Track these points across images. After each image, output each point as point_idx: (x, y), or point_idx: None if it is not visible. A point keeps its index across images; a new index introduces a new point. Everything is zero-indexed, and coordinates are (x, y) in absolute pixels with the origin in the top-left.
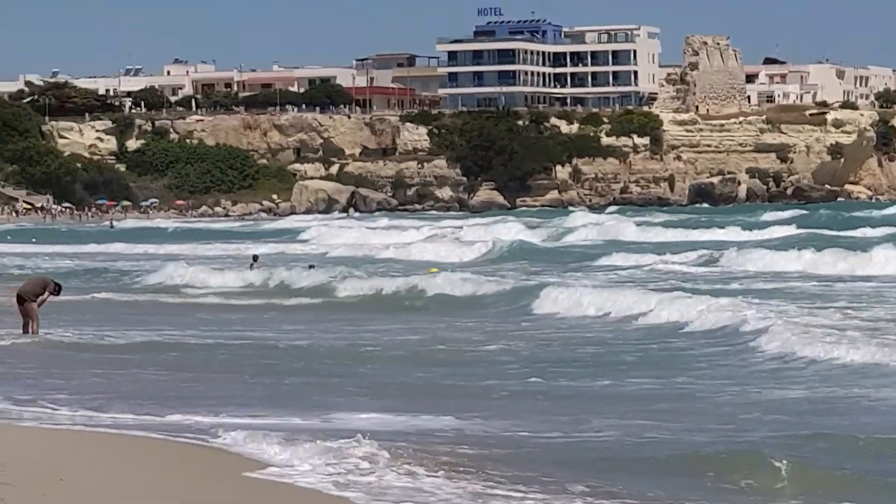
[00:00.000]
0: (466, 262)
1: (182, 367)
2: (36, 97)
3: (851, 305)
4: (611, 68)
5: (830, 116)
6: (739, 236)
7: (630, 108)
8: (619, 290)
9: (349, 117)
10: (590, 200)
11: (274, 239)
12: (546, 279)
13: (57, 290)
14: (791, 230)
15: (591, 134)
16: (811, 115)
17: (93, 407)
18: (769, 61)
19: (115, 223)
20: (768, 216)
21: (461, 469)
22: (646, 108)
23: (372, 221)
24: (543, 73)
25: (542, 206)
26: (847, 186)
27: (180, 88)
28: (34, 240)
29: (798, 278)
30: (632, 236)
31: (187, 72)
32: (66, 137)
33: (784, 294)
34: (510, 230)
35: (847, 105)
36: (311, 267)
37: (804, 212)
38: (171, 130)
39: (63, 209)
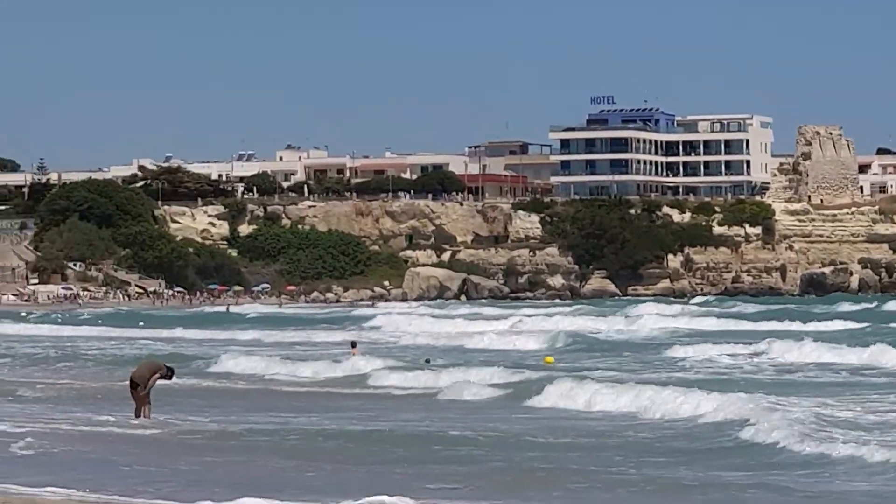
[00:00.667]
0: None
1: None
2: (149, 181)
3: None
4: (723, 157)
5: None
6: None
7: (742, 197)
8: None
9: (461, 204)
10: (701, 290)
11: (337, 327)
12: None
13: (169, 374)
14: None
15: (703, 223)
16: None
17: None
18: (882, 152)
19: (230, 308)
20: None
21: None
22: (758, 198)
23: (444, 310)
24: (656, 162)
25: (654, 294)
26: None
27: (293, 174)
28: (141, 324)
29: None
30: (707, 326)
31: (300, 157)
32: (178, 222)
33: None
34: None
35: None
36: (427, 361)
37: None
38: (283, 216)
39: (174, 294)
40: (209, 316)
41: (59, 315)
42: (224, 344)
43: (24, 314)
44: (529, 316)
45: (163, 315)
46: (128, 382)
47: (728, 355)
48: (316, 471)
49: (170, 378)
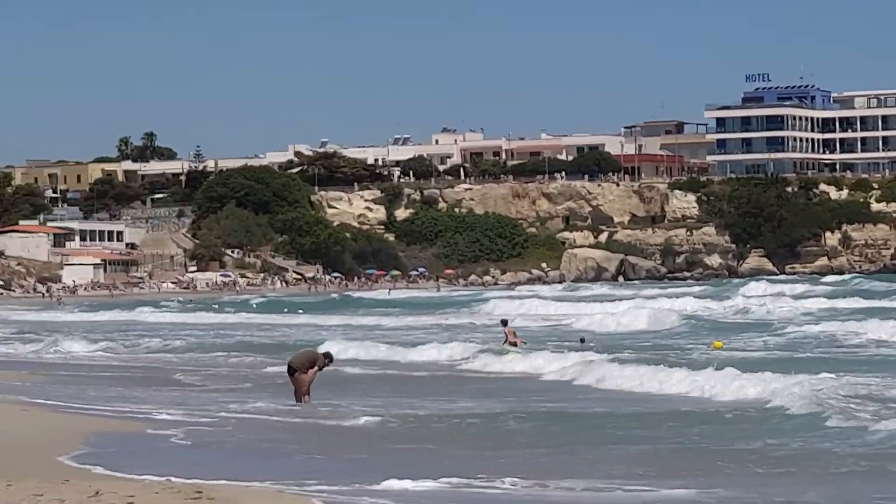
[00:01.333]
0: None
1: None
2: (305, 167)
3: None
4: (880, 133)
5: None
6: None
7: None
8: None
9: (618, 185)
10: (860, 267)
11: (452, 310)
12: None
13: (327, 362)
14: None
15: (861, 200)
16: None
17: None
18: None
19: (391, 292)
20: None
21: None
22: None
23: (575, 292)
24: (812, 139)
25: (812, 272)
26: None
27: (449, 157)
28: (301, 311)
29: None
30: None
31: (455, 140)
32: (335, 207)
33: None
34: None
35: None
36: (582, 341)
37: None
38: (440, 199)
39: (332, 279)
40: (358, 301)
41: (216, 303)
42: (344, 329)
43: (180, 300)
44: (652, 297)
45: (303, 302)
46: (285, 368)
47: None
48: (515, 454)
49: (328, 365)
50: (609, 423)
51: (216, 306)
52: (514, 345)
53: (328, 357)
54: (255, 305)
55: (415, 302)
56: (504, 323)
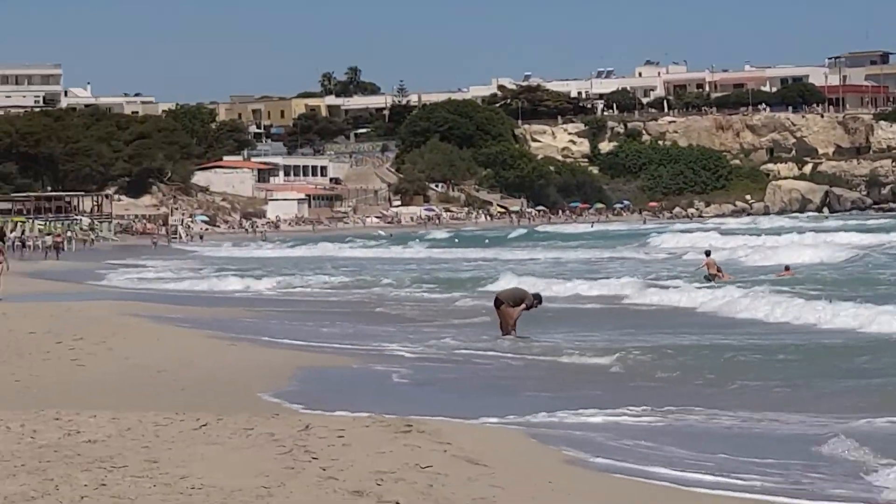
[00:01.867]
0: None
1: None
2: (509, 101)
3: None
4: None
5: None
6: None
7: None
8: None
9: (822, 116)
10: None
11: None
12: None
13: (536, 303)
14: None
15: None
16: None
17: None
18: None
19: (594, 224)
20: None
21: None
22: None
23: (757, 224)
24: None
25: None
26: None
27: (652, 90)
28: (487, 241)
29: None
30: None
31: (658, 73)
32: (538, 141)
33: None
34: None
35: None
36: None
37: None
38: (644, 132)
39: (537, 212)
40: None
41: (416, 237)
42: (505, 263)
43: (382, 233)
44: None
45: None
46: (491, 302)
47: None
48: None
49: (537, 306)
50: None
51: (416, 240)
52: (715, 277)
53: (538, 298)
54: (456, 241)
55: (605, 235)
56: (707, 254)
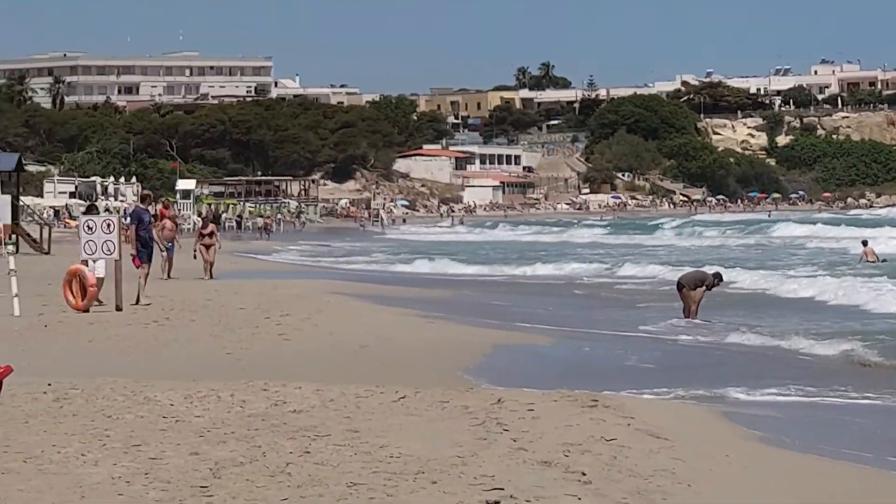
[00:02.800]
0: None
1: None
2: (691, 96)
3: None
4: None
5: None
6: None
7: None
8: None
9: None
10: None
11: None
12: None
13: (717, 282)
14: None
15: None
16: None
17: None
18: None
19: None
20: None
21: None
22: None
23: None
24: None
25: None
26: None
27: (826, 87)
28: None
29: None
30: None
31: (833, 71)
32: (719, 133)
33: None
34: None
35: None
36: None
37: None
38: (818, 127)
39: (717, 201)
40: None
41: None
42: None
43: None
44: None
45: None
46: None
47: None
48: None
49: (718, 284)
50: None
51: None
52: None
53: (717, 277)
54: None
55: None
56: (864, 243)
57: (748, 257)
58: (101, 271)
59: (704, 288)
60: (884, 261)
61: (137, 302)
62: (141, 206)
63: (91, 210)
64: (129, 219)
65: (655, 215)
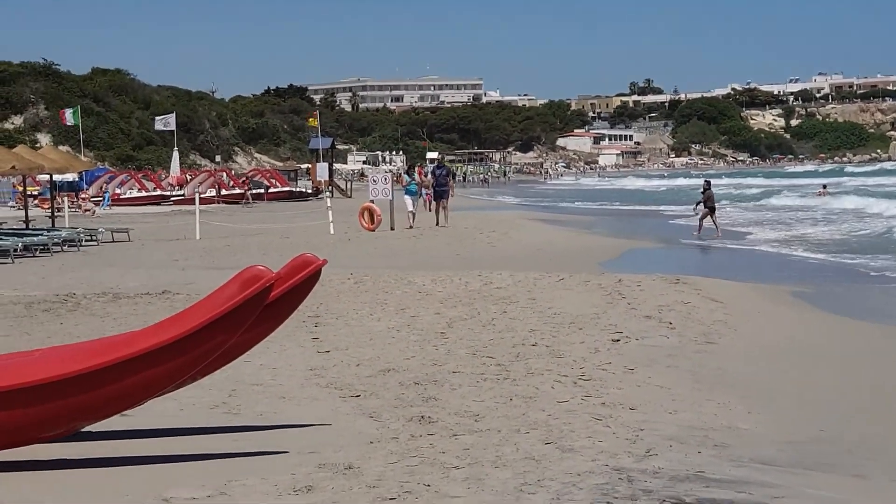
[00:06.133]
0: None
1: None
2: (737, 97)
3: None
4: None
5: None
6: None
7: None
8: None
9: None
10: None
11: None
12: None
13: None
14: None
15: None
16: None
17: None
18: None
19: None
20: None
21: None
22: None
23: None
24: None
25: None
26: None
27: (821, 89)
28: None
29: None
30: None
31: (826, 79)
32: (754, 119)
33: None
34: None
35: None
36: None
37: None
38: (816, 114)
39: (752, 161)
40: None
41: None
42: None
43: None
44: None
45: None
46: None
47: None
48: None
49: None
50: None
51: None
52: None
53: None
54: None
55: None
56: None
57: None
58: (410, 206)
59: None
60: None
61: (438, 224)
62: (436, 166)
63: (410, 170)
64: (428, 174)
65: (719, 170)
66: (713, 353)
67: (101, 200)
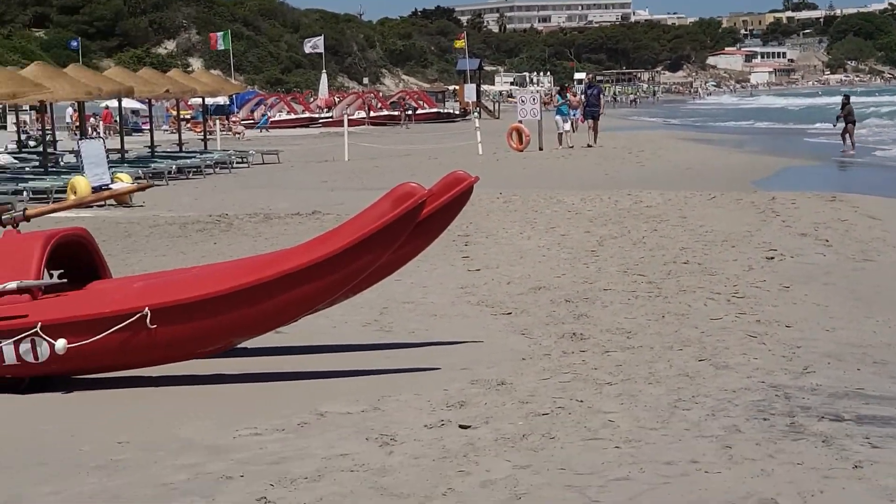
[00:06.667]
0: None
1: None
2: (893, 11)
3: None
4: None
5: None
6: None
7: None
8: None
9: None
10: None
11: None
12: None
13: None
14: None
15: None
16: None
17: None
18: None
19: None
20: None
21: None
22: None
23: None
24: None
25: None
26: None
27: None
28: None
29: None
30: None
31: None
32: None
33: None
34: None
35: None
36: None
37: None
38: None
39: None
40: None
41: None
42: None
43: None
44: None
45: None
46: None
47: None
48: None
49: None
50: None
51: None
52: None
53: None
54: None
55: None
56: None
57: None
58: (561, 126)
59: None
60: None
61: (595, 143)
62: (587, 86)
63: (563, 91)
64: (578, 94)
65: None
66: (871, 271)
67: (251, 123)
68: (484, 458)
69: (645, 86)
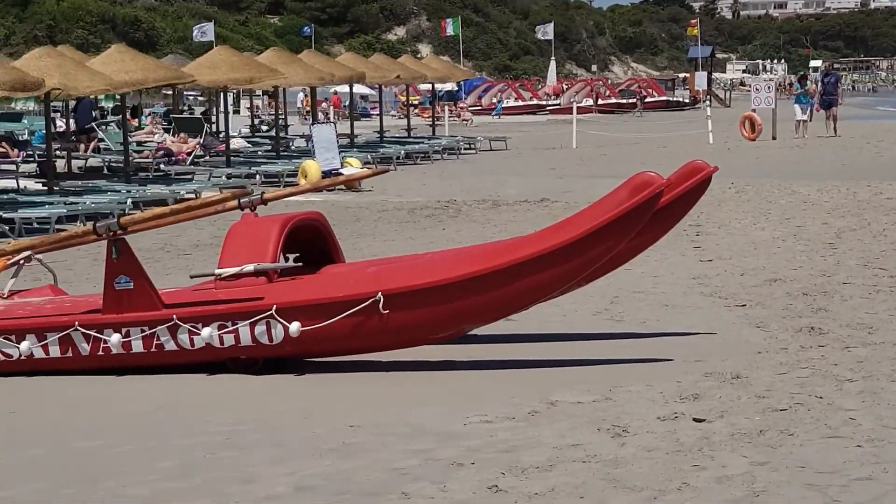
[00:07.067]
0: None
1: None
2: None
3: None
4: None
5: None
6: None
7: None
8: None
9: None
10: None
11: None
12: None
13: None
14: None
15: None
16: None
17: None
18: None
19: None
20: None
21: None
22: None
23: None
24: None
25: None
26: None
27: None
28: None
29: None
30: None
31: None
32: None
33: None
34: None
35: None
36: None
37: None
38: None
39: None
40: None
41: None
42: None
43: None
44: None
45: None
46: None
47: None
48: None
49: None
50: None
51: None
52: None
53: None
54: None
55: None
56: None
57: None
58: (799, 114)
59: None
60: None
61: (835, 133)
62: (825, 74)
63: (802, 80)
64: (816, 83)
65: None
66: None
67: (479, 110)
68: (719, 452)
69: (884, 74)
